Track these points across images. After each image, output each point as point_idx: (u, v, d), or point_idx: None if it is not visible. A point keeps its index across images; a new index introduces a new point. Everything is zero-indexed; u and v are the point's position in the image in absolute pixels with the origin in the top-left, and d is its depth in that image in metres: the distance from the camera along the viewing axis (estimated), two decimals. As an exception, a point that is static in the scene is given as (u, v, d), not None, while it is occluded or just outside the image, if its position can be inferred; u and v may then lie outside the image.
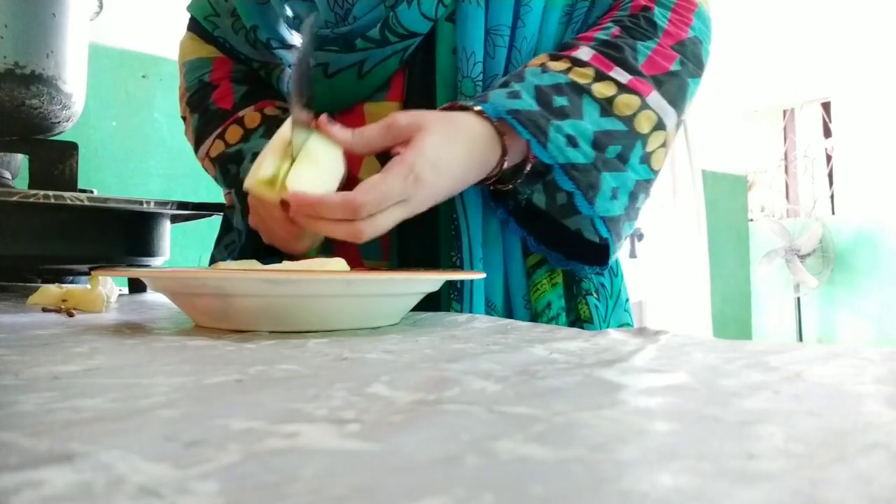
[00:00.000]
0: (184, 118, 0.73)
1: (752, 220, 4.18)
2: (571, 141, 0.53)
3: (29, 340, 0.35)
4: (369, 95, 0.63)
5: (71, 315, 0.50)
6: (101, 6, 1.03)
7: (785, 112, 4.64)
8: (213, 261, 0.73)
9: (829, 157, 4.41)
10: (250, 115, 0.66)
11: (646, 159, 0.56)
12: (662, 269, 3.22)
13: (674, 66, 0.57)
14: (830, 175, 4.36)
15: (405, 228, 0.61)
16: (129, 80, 1.68)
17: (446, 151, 0.50)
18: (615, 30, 0.58)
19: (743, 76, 3.79)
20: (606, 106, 0.54)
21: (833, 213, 4.25)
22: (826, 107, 4.38)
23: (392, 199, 0.47)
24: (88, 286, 0.56)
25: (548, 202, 0.58)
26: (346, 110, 0.63)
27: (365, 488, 0.13)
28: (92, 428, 0.18)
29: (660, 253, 3.22)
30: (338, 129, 0.51)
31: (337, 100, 0.63)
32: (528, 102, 0.53)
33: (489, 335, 0.38)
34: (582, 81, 0.54)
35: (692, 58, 0.59)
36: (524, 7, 0.59)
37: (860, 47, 4.01)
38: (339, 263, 0.43)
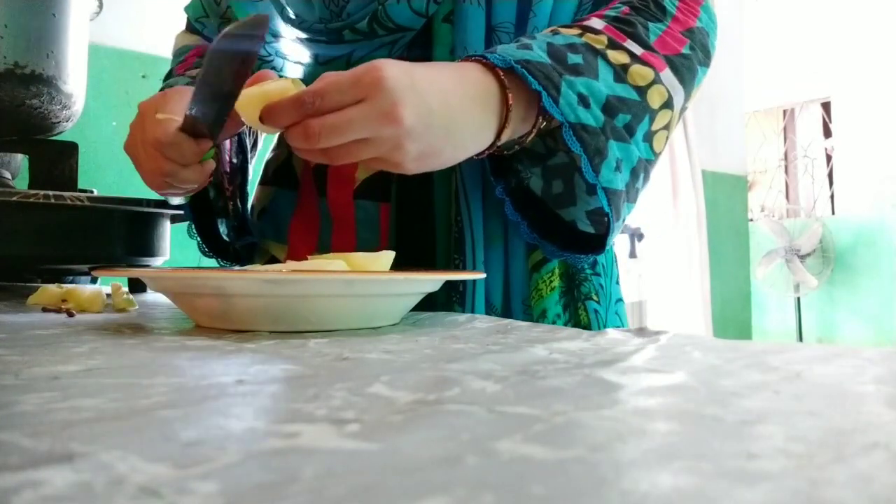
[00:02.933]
0: None
1: (752, 220, 4.18)
2: (583, 100, 0.49)
3: (29, 340, 0.35)
4: None
5: (71, 315, 0.50)
6: (101, 6, 1.04)
7: (785, 112, 4.64)
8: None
9: (829, 157, 4.41)
10: (193, 72, 0.69)
11: (649, 138, 0.54)
12: (662, 269, 3.22)
13: (685, 50, 0.56)
14: (830, 175, 4.36)
15: (402, 228, 0.61)
16: (129, 80, 1.68)
17: (424, 76, 0.45)
18: (625, 9, 0.57)
19: (743, 76, 3.79)
20: (621, 72, 0.52)
21: (833, 213, 4.25)
22: (826, 107, 4.38)
23: (353, 130, 0.43)
24: (91, 286, 0.56)
25: (544, 188, 0.57)
26: None
27: (365, 488, 0.13)
28: (92, 428, 0.18)
29: (660, 253, 3.22)
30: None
31: None
32: (539, 55, 0.49)
33: (489, 335, 0.38)
34: (597, 45, 0.52)
35: (700, 46, 0.58)
36: None
37: (860, 47, 4.01)
38: (340, 264, 0.43)
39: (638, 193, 0.56)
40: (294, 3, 0.63)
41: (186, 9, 0.76)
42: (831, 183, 4.33)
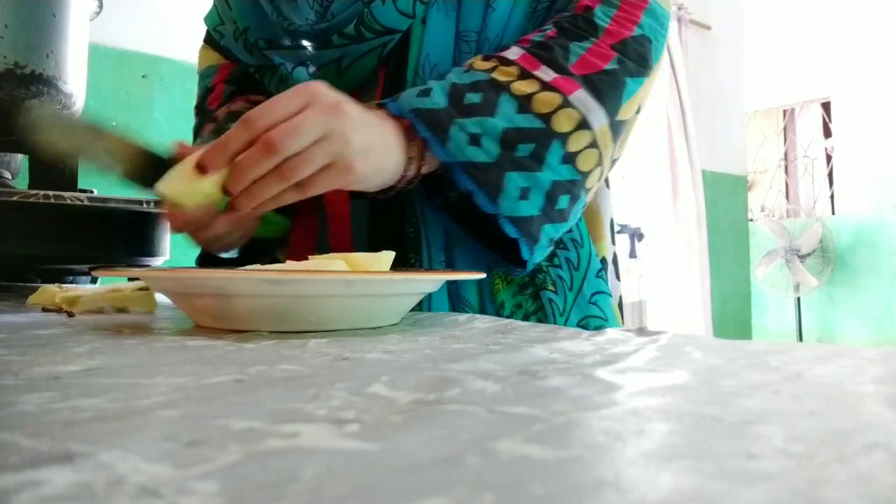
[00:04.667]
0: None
1: (752, 220, 4.18)
2: (474, 139, 0.51)
3: (29, 340, 0.35)
4: (360, 95, 0.63)
5: (71, 315, 0.50)
6: (101, 6, 1.04)
7: (785, 112, 4.64)
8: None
9: (829, 157, 4.41)
10: (221, 112, 0.68)
11: (569, 159, 0.54)
12: (662, 269, 3.22)
13: (609, 65, 0.56)
14: (830, 175, 4.36)
15: (377, 229, 0.62)
16: (129, 80, 1.68)
17: (357, 106, 0.49)
18: (551, 31, 0.57)
19: (743, 76, 3.79)
20: (524, 103, 0.53)
21: (833, 213, 4.25)
22: (826, 107, 4.38)
23: (309, 128, 0.45)
24: (91, 286, 0.56)
25: None
26: None
27: (365, 488, 0.13)
28: (92, 428, 0.18)
29: (660, 253, 3.22)
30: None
31: None
32: (436, 101, 0.52)
33: (489, 335, 0.38)
34: (503, 79, 0.54)
35: (634, 56, 0.57)
36: (489, 9, 0.60)
37: (860, 47, 4.01)
38: (340, 264, 0.43)
39: (568, 213, 0.56)
40: (283, 4, 0.64)
41: (205, 19, 0.76)
42: (831, 183, 4.33)
